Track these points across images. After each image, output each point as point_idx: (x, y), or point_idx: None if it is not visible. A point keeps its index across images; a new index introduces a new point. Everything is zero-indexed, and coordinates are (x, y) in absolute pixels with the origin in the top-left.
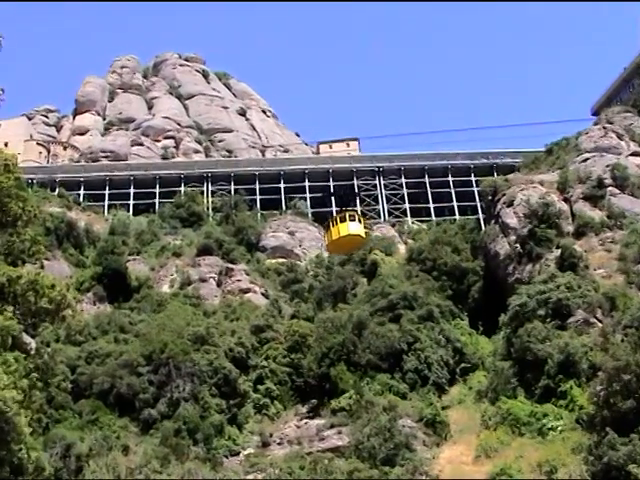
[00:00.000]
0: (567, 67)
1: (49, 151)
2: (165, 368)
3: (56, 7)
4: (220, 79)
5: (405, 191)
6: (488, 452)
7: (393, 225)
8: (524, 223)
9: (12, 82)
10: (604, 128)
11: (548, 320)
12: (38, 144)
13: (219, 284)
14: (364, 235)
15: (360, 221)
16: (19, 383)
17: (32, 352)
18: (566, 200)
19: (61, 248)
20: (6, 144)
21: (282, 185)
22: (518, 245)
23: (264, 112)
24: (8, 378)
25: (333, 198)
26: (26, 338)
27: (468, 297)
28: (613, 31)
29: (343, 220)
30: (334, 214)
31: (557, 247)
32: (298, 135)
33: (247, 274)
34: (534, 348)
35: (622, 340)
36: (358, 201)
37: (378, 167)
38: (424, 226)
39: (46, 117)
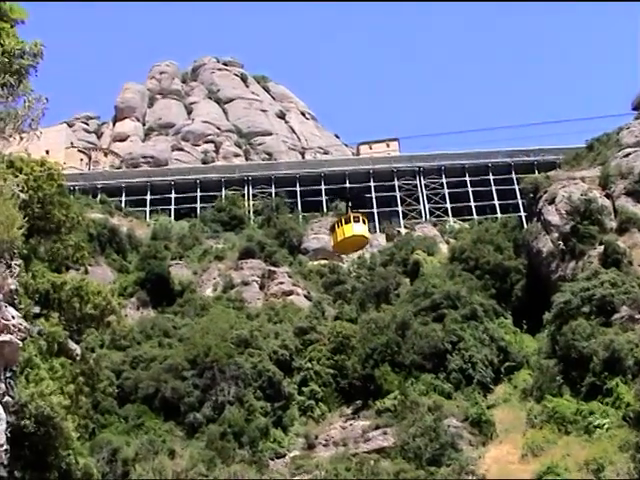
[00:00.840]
0: (607, 62)
1: (90, 158)
2: (209, 372)
3: (94, 14)
4: (258, 82)
5: (446, 190)
6: (534, 451)
7: (435, 225)
8: (566, 220)
9: (52, 90)
10: None
11: (592, 317)
12: (79, 151)
13: (262, 287)
14: (368, 236)
15: (364, 222)
16: (66, 389)
17: (78, 358)
18: (608, 196)
19: (104, 254)
20: (47, 152)
21: (323, 187)
22: (561, 242)
23: (303, 114)
24: (55, 384)
25: (374, 199)
26: (71, 344)
27: (511, 295)
28: None
29: (348, 222)
30: (375, 215)
31: (600, 243)
32: (337, 137)
33: (289, 276)
34: (579, 345)
35: None
36: (399, 201)
37: (418, 167)
38: (466, 225)
39: (86, 124)
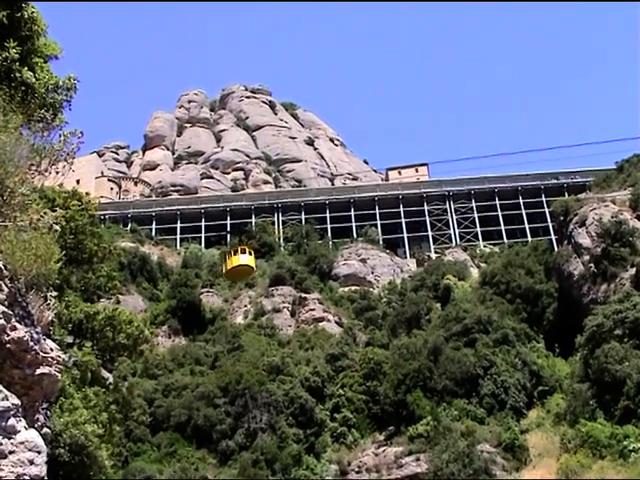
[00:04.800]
0: (635, 82)
1: (120, 187)
2: (241, 399)
3: (123, 44)
4: (287, 109)
5: (476, 214)
6: (569, 475)
7: (465, 249)
8: (597, 242)
9: (82, 119)
10: None
11: (625, 340)
12: (109, 180)
13: (293, 314)
14: (253, 265)
15: (251, 253)
16: (99, 417)
17: (110, 386)
18: (639, 217)
19: (135, 282)
20: (78, 181)
21: (352, 213)
22: (592, 265)
23: (332, 141)
24: (88, 413)
25: (404, 225)
26: (104, 373)
27: (543, 319)
28: None
29: (236, 253)
30: (405, 240)
31: (632, 266)
32: (366, 162)
33: (320, 303)
34: (612, 369)
35: None
36: (429, 226)
37: (448, 191)
38: (496, 249)
39: (116, 153)
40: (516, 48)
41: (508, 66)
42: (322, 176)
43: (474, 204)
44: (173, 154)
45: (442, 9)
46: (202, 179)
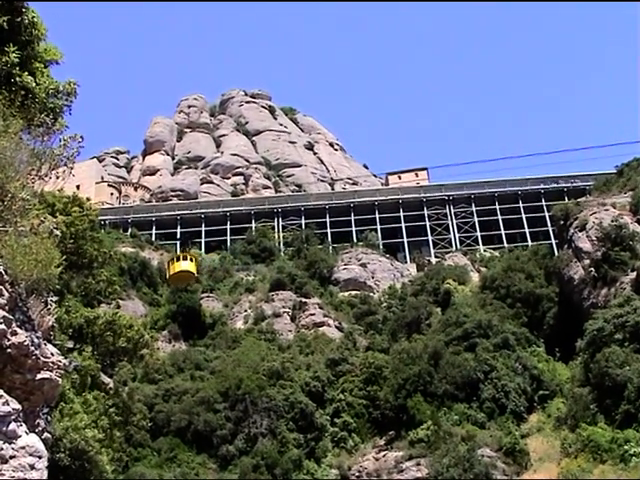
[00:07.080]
0: (635, 85)
1: (120, 192)
2: (242, 404)
3: (122, 49)
4: (286, 114)
5: (476, 219)
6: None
7: (465, 253)
8: (597, 247)
9: (82, 125)
10: None
11: (626, 344)
12: (109, 185)
13: (293, 318)
14: (194, 271)
15: (192, 260)
16: (99, 422)
17: (111, 391)
18: (639, 221)
19: (135, 287)
20: (78, 187)
21: (352, 217)
22: (592, 269)
23: (331, 145)
24: (88, 417)
25: (404, 229)
26: (104, 378)
27: (543, 323)
28: None
29: (178, 259)
30: (405, 245)
31: (632, 270)
32: (366, 167)
33: (321, 308)
34: (613, 373)
35: None
36: (429, 231)
37: (448, 196)
38: (496, 253)
39: (116, 158)
40: (515, 50)
41: (507, 69)
42: (322, 181)
43: (474, 208)
44: (173, 159)
45: (441, 11)
46: (202, 184)
